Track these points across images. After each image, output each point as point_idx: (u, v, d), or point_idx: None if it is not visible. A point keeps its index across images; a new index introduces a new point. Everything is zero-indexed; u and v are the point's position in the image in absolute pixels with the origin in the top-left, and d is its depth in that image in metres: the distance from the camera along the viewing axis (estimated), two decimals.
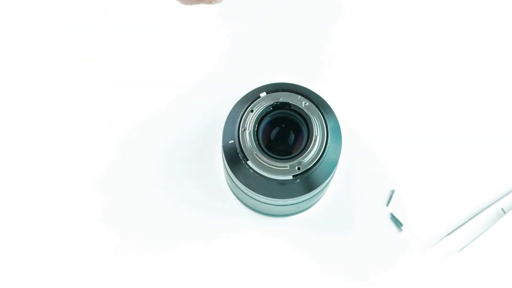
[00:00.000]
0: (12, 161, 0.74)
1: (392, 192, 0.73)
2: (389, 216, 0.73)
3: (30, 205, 0.72)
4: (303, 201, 0.63)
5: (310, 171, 0.59)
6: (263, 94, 0.60)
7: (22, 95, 0.76)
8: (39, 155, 0.74)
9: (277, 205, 0.64)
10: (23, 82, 0.76)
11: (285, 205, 0.64)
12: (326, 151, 0.60)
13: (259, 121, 0.60)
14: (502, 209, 0.73)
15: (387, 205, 0.73)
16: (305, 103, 0.60)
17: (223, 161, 0.63)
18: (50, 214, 0.72)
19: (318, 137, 0.60)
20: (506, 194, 0.73)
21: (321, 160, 0.59)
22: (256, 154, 0.59)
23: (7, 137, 0.75)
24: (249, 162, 0.59)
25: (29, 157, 0.74)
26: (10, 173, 0.73)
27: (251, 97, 0.61)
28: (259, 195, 0.61)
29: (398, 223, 0.72)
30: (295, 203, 0.64)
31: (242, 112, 0.60)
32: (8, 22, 0.78)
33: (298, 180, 0.59)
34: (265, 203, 0.64)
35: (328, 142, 0.60)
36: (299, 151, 0.60)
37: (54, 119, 0.75)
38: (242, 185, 0.62)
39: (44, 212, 0.72)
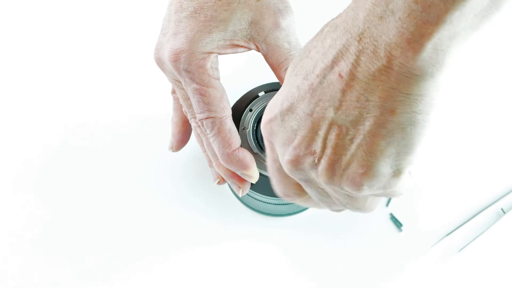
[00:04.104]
0: (9, 159, 0.74)
1: None
2: (389, 216, 0.73)
3: (29, 203, 0.73)
4: None
5: None
6: (261, 94, 0.61)
7: (21, 95, 0.76)
8: (38, 154, 0.74)
9: (276, 204, 0.64)
10: (22, 82, 0.77)
11: (285, 204, 0.64)
12: None
13: (258, 120, 0.60)
14: (502, 209, 0.73)
15: (387, 205, 0.73)
16: None
17: None
18: (51, 214, 0.72)
19: None
20: (506, 194, 0.73)
21: None
22: (255, 153, 0.59)
23: (6, 137, 0.75)
24: None
25: (28, 157, 0.74)
26: (10, 172, 0.74)
27: (250, 97, 0.61)
28: (259, 194, 0.61)
29: (398, 223, 0.72)
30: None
31: (241, 112, 0.60)
32: (8, 22, 0.78)
33: None
34: (264, 202, 0.64)
35: None
36: None
37: (53, 119, 0.75)
38: None
39: (45, 212, 0.72)
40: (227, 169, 0.58)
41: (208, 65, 0.53)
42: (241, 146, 0.59)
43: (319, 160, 0.41)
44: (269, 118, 0.44)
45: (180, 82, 0.55)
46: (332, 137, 0.39)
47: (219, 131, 0.54)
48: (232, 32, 0.53)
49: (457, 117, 0.75)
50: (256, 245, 0.71)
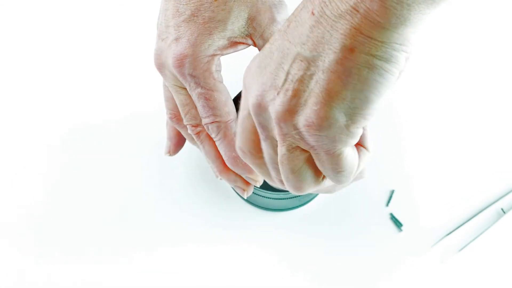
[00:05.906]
0: (9, 160, 0.74)
1: (392, 192, 0.73)
2: (389, 216, 0.73)
3: (31, 204, 0.73)
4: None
5: None
6: None
7: (20, 95, 0.76)
8: (35, 154, 0.74)
9: (277, 199, 0.64)
10: (22, 82, 0.77)
11: (285, 198, 0.64)
12: None
13: None
14: (502, 209, 0.73)
15: (387, 205, 0.73)
16: None
17: None
18: (56, 215, 0.72)
19: None
20: (506, 194, 0.73)
21: None
22: None
23: (6, 137, 0.75)
24: None
25: (26, 156, 0.74)
26: (10, 172, 0.74)
27: None
28: (259, 189, 0.61)
29: (398, 223, 0.72)
30: (295, 196, 0.64)
31: (239, 106, 0.60)
32: (8, 22, 0.79)
33: None
34: (265, 197, 0.64)
35: None
36: None
37: (53, 119, 0.75)
38: None
39: (45, 212, 0.72)
40: (231, 173, 0.58)
41: (213, 68, 0.53)
42: None
43: (278, 93, 0.42)
44: (249, 64, 0.45)
45: (180, 87, 0.55)
46: (294, 71, 0.41)
47: (225, 135, 0.55)
48: (231, 31, 0.53)
49: (457, 117, 0.76)
50: (255, 243, 0.71)
